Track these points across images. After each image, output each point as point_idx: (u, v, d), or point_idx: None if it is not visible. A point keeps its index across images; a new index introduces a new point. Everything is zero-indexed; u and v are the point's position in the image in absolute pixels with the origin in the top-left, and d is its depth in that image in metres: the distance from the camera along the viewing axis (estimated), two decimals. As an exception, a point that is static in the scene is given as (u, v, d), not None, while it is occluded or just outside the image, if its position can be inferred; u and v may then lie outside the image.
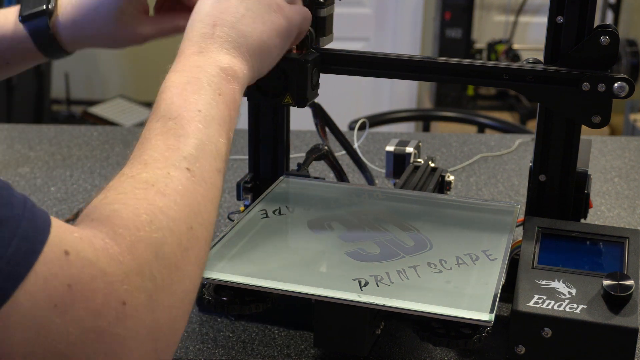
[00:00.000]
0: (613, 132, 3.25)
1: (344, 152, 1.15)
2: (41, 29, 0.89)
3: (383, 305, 0.75)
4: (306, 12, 0.83)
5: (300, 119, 1.32)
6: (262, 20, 0.77)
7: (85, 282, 0.50)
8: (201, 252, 0.61)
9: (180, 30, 0.87)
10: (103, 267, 0.52)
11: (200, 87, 0.68)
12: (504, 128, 2.13)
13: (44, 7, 0.89)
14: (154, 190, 0.59)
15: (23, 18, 0.89)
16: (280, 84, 0.87)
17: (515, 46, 3.45)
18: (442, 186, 1.07)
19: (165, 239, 0.56)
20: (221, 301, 0.82)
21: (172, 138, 0.64)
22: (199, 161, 0.63)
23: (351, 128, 2.11)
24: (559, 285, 0.81)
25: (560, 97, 0.88)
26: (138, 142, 0.66)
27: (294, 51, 0.88)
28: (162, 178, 0.60)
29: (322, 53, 0.91)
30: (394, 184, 1.08)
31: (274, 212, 0.93)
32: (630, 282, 0.79)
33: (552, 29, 0.88)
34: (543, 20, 0.97)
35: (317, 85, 0.90)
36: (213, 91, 0.68)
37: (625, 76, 0.85)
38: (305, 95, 0.87)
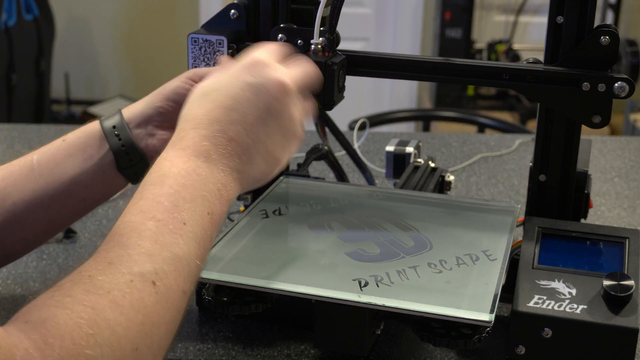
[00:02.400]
0: (613, 132, 3.25)
1: (344, 152, 1.15)
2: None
3: (383, 306, 0.75)
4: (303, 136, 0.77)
5: (300, 119, 1.32)
6: (274, 149, 0.72)
7: None
8: None
9: None
10: None
11: (194, 198, 0.63)
12: (504, 128, 2.13)
13: (119, 112, 0.85)
14: (107, 299, 0.53)
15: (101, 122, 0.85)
16: None
17: (515, 46, 3.45)
18: (442, 186, 1.07)
19: (102, 356, 0.50)
20: (221, 301, 0.82)
21: (148, 242, 0.58)
22: (168, 278, 0.58)
23: (351, 128, 2.11)
24: (559, 286, 0.81)
25: (560, 97, 0.87)
26: (112, 229, 0.61)
27: (319, 54, 0.87)
28: (121, 286, 0.55)
29: (348, 55, 0.90)
30: (394, 184, 1.08)
31: (274, 212, 0.93)
32: (630, 282, 0.79)
33: (552, 29, 0.88)
34: (543, 20, 0.96)
35: (343, 88, 0.89)
36: (204, 208, 0.64)
37: (626, 76, 0.85)
38: (332, 98, 0.87)
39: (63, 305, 0.51)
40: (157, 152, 0.76)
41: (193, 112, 0.70)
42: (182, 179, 0.64)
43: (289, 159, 0.76)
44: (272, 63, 0.74)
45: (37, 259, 1.04)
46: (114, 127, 0.83)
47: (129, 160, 0.83)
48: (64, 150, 0.83)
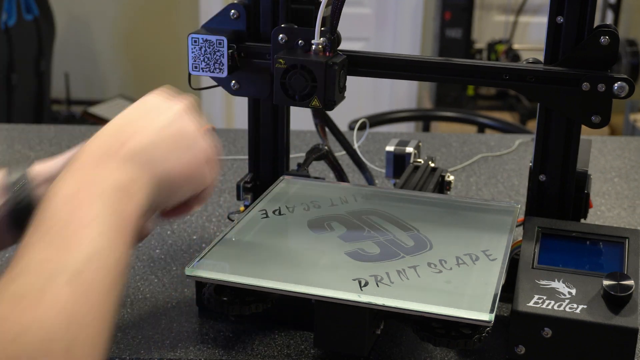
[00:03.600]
0: (613, 132, 3.25)
1: (344, 152, 1.15)
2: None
3: (383, 305, 0.75)
4: (215, 176, 0.77)
5: (300, 119, 1.32)
6: (177, 155, 0.71)
7: None
8: None
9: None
10: None
11: (93, 198, 0.61)
12: (504, 128, 2.13)
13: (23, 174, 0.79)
14: (20, 307, 0.52)
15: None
16: (307, 86, 0.86)
17: (515, 46, 3.45)
18: (442, 186, 1.07)
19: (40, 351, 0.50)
20: (221, 301, 0.82)
21: (53, 249, 0.57)
22: (84, 274, 0.56)
23: (351, 128, 2.10)
24: (559, 285, 0.81)
25: (560, 97, 0.88)
26: (18, 249, 0.59)
27: (320, 54, 0.87)
28: (33, 292, 0.53)
29: (348, 55, 0.90)
30: (394, 184, 1.08)
31: (274, 212, 0.93)
32: (630, 282, 0.79)
33: (552, 29, 0.88)
34: (543, 20, 0.97)
35: (344, 88, 0.89)
36: (104, 205, 0.61)
37: (625, 76, 0.85)
38: (332, 98, 0.87)
39: None
40: None
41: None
42: (73, 188, 0.62)
43: (205, 176, 0.74)
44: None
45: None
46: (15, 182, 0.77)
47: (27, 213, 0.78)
48: None
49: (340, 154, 1.24)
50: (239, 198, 1.01)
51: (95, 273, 0.57)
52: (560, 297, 0.80)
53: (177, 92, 0.78)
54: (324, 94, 0.86)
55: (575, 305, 0.79)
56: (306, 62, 0.86)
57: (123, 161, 0.66)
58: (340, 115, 1.23)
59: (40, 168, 0.79)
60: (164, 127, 0.71)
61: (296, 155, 1.38)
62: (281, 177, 1.01)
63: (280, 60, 0.86)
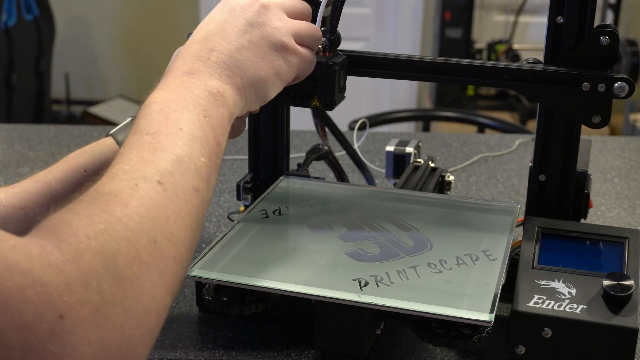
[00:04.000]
0: (613, 132, 3.25)
1: (344, 152, 1.15)
2: None
3: (383, 305, 0.75)
4: (310, 58, 0.80)
5: (300, 119, 1.32)
6: (262, 55, 0.74)
7: (12, 292, 0.45)
8: (167, 269, 0.56)
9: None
10: (37, 276, 0.47)
11: (185, 106, 0.65)
12: (504, 128, 2.13)
13: (130, 119, 0.86)
14: (115, 201, 0.55)
15: (111, 134, 0.86)
16: (308, 87, 0.86)
17: (515, 46, 3.45)
18: (442, 186, 1.07)
19: (119, 250, 0.52)
20: (221, 301, 0.82)
21: (147, 151, 0.60)
22: (173, 176, 0.59)
23: (351, 128, 2.10)
24: (559, 285, 0.81)
25: (560, 97, 0.88)
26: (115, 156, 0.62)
27: (320, 54, 0.87)
28: (127, 189, 0.56)
29: (348, 55, 0.90)
30: (394, 184, 1.08)
31: (274, 212, 0.93)
32: (630, 282, 0.79)
33: (552, 29, 0.88)
34: (543, 20, 0.97)
35: (344, 88, 0.89)
36: (198, 112, 0.65)
37: (625, 76, 0.85)
38: (333, 98, 0.87)
39: (72, 211, 0.53)
40: None
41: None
42: (168, 96, 0.66)
43: (287, 70, 0.77)
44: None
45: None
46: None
47: None
48: (82, 180, 0.84)
49: (340, 154, 1.24)
50: (239, 198, 1.01)
51: (185, 173, 0.61)
52: (560, 297, 0.80)
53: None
54: (324, 94, 0.86)
55: (575, 305, 0.79)
56: None
57: (213, 68, 0.70)
58: (340, 115, 1.23)
59: None
60: (246, 31, 0.74)
61: (296, 155, 1.38)
62: (281, 177, 1.01)
63: None
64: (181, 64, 0.70)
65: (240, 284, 0.79)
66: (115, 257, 0.52)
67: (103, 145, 0.86)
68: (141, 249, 0.54)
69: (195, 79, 0.69)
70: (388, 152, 1.09)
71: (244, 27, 0.74)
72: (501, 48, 3.44)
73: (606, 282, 0.79)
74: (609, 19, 3.35)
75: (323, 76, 0.85)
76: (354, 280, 0.79)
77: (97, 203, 0.55)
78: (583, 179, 0.94)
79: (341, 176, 1.12)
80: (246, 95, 0.73)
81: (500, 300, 0.77)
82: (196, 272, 0.80)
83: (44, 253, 0.49)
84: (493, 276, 0.80)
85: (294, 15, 0.79)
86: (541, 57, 0.90)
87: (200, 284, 0.88)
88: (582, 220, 0.95)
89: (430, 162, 1.09)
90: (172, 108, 0.64)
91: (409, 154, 1.08)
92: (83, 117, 3.38)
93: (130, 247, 0.53)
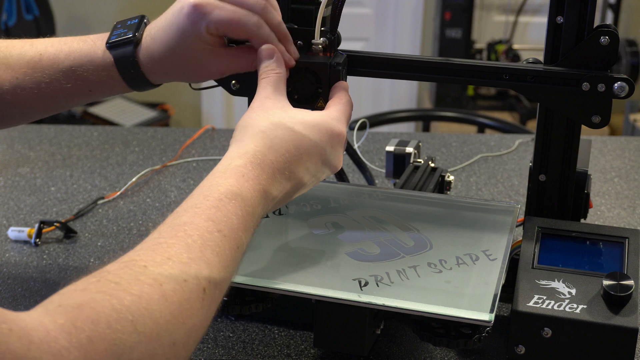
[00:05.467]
0: (613, 132, 3.25)
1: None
2: (126, 58, 0.84)
3: (383, 305, 0.75)
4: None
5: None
6: (315, 172, 0.78)
7: None
8: None
9: (255, 67, 0.85)
10: None
11: (251, 227, 0.68)
12: (504, 128, 2.12)
13: (131, 35, 0.85)
14: (157, 291, 0.53)
15: (110, 45, 0.85)
16: (312, 88, 0.86)
17: (515, 46, 3.45)
18: (442, 186, 1.08)
19: (138, 345, 0.49)
20: (221, 301, 0.82)
21: (210, 253, 0.60)
22: (217, 289, 0.59)
23: (351, 128, 2.10)
24: (559, 285, 0.81)
25: (560, 97, 0.88)
26: (176, 217, 0.61)
27: (320, 54, 0.87)
28: (174, 282, 0.55)
29: (348, 55, 0.90)
30: (394, 184, 1.08)
31: (273, 212, 0.93)
32: (630, 282, 0.79)
33: (552, 29, 0.88)
34: (543, 20, 0.97)
35: None
36: (247, 237, 0.67)
37: (625, 76, 0.85)
38: None
39: (106, 292, 0.50)
40: (154, 72, 0.85)
41: (269, 138, 0.74)
42: (250, 207, 0.68)
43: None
44: (343, 142, 0.79)
45: (38, 258, 1.04)
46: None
47: (131, 72, 0.86)
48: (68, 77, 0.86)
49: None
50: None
51: (222, 292, 0.61)
52: (560, 297, 0.80)
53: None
54: (329, 95, 0.86)
55: (575, 305, 0.79)
56: (310, 65, 0.86)
57: (270, 203, 0.73)
58: (340, 115, 1.23)
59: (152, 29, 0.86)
60: (323, 169, 0.79)
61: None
62: (281, 177, 1.01)
63: None
64: (268, 171, 0.72)
65: (240, 284, 0.79)
66: (131, 351, 0.48)
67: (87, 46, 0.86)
68: (160, 349, 0.51)
69: (265, 205, 0.71)
70: (388, 152, 1.09)
71: (322, 164, 0.78)
72: (501, 48, 3.44)
73: (606, 282, 0.79)
74: (609, 19, 3.35)
75: (327, 77, 0.85)
76: (354, 280, 0.79)
77: (139, 287, 0.52)
78: (583, 179, 0.94)
79: (341, 176, 1.12)
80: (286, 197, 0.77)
81: (500, 300, 0.77)
82: (196, 272, 0.80)
83: (47, 339, 0.46)
84: (493, 276, 0.80)
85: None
86: (541, 57, 0.90)
87: (200, 284, 0.88)
88: (582, 220, 0.95)
89: (430, 162, 1.09)
90: (247, 222, 0.67)
91: (409, 154, 1.08)
92: (83, 117, 3.38)
93: (149, 345, 0.50)
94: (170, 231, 0.60)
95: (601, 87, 0.85)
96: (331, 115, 0.79)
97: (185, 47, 0.83)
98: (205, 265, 0.58)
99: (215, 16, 0.80)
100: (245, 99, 0.99)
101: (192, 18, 0.81)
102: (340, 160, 0.80)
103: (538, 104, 0.91)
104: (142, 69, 0.85)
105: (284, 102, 0.79)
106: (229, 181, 0.68)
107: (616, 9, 3.32)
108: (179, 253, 0.57)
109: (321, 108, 0.87)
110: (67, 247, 1.08)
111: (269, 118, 0.75)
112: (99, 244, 1.09)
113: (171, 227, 0.60)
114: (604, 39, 0.85)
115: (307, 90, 0.86)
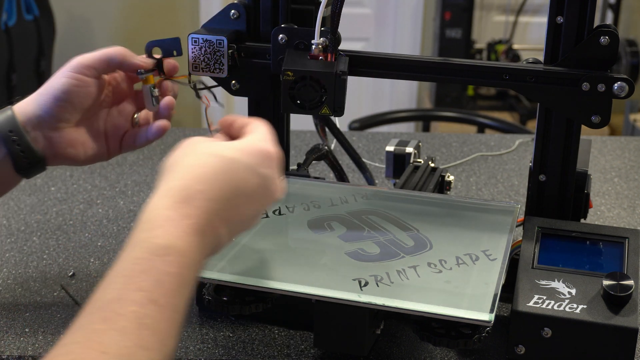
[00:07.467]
0: (613, 132, 3.25)
1: (344, 152, 1.15)
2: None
3: (383, 305, 0.75)
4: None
5: (300, 119, 1.32)
6: (255, 200, 0.71)
7: None
8: None
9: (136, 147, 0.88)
10: None
11: (186, 285, 0.61)
12: (504, 128, 2.13)
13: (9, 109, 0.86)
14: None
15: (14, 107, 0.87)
16: (317, 96, 0.86)
17: (515, 46, 3.45)
18: (442, 186, 1.08)
19: None
20: (221, 301, 0.82)
21: (147, 331, 0.56)
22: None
23: (351, 128, 2.10)
24: (559, 285, 0.81)
25: (560, 97, 0.88)
26: (104, 282, 0.58)
27: (320, 54, 0.87)
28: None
29: (349, 56, 0.90)
30: (394, 184, 1.08)
31: (274, 212, 0.93)
32: (630, 282, 0.79)
33: (552, 29, 0.88)
34: (543, 20, 0.97)
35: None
36: (186, 297, 0.61)
37: (625, 76, 0.85)
38: (342, 105, 0.87)
39: None
40: (54, 155, 0.86)
41: (193, 168, 0.68)
42: (184, 256, 0.61)
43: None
44: (276, 163, 0.73)
45: (38, 259, 1.04)
46: (10, 131, 0.84)
47: (28, 163, 0.86)
48: None
49: (340, 154, 1.24)
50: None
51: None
52: (560, 297, 0.80)
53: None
54: (334, 102, 0.86)
55: (575, 305, 0.79)
56: (315, 74, 0.86)
57: (207, 252, 0.66)
58: (340, 115, 1.23)
59: (24, 114, 0.85)
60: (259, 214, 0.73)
61: (296, 155, 1.38)
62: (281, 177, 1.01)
63: (289, 72, 0.86)
64: (203, 216, 0.65)
65: (240, 284, 0.79)
66: None
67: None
68: None
69: (198, 258, 0.64)
70: (388, 152, 1.09)
71: (262, 190, 0.71)
72: (501, 48, 3.44)
73: (606, 282, 0.79)
74: (609, 19, 3.35)
75: (333, 86, 0.86)
76: (354, 280, 0.79)
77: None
78: (583, 179, 0.94)
79: (341, 176, 1.12)
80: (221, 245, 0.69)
81: (500, 300, 0.77)
82: (196, 272, 0.80)
83: None
84: (493, 276, 0.80)
85: None
86: (541, 57, 0.90)
87: (201, 284, 0.88)
88: (582, 220, 0.95)
89: (430, 162, 1.09)
90: (184, 279, 0.61)
91: (409, 154, 1.08)
92: (83, 117, 3.39)
93: None
94: (101, 314, 0.56)
95: (601, 87, 0.85)
96: (256, 138, 0.73)
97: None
98: (143, 352, 0.55)
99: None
100: (245, 99, 0.99)
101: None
102: (281, 184, 0.74)
103: (538, 104, 0.91)
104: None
105: (209, 139, 0.75)
106: (155, 232, 0.61)
107: (616, 9, 3.32)
108: (114, 343, 0.54)
109: (325, 114, 0.87)
110: (67, 247, 1.08)
111: (194, 151, 0.70)
112: (99, 244, 1.08)
113: (101, 307, 0.57)
114: (604, 39, 0.85)
115: (312, 97, 0.86)
